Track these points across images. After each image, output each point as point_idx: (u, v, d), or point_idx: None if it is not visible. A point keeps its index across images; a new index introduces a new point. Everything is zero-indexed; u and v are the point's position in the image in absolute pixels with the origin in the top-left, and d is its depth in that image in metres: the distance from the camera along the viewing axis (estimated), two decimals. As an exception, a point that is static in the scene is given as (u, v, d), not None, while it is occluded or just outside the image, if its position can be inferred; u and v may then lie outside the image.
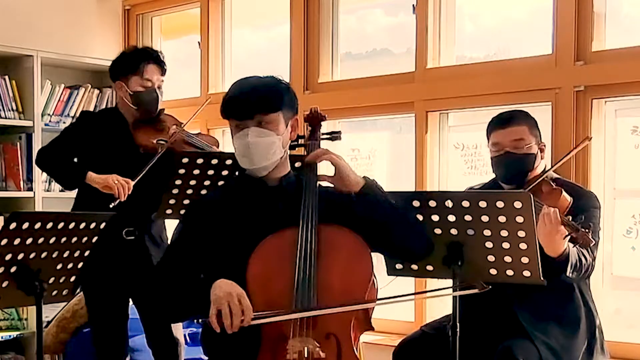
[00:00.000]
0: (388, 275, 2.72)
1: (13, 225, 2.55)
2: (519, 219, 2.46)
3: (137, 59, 3.51)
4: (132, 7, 5.36)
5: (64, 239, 2.70)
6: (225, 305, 2.20)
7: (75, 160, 3.50)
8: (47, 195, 4.68)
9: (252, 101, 2.41)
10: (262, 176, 2.48)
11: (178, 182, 3.09)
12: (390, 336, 3.91)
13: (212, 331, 2.23)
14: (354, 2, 4.71)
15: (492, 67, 3.86)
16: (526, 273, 2.54)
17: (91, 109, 4.85)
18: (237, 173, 2.85)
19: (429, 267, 2.70)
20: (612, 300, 3.62)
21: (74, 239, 2.74)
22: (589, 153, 3.49)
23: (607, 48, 3.52)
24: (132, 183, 3.33)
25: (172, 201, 3.13)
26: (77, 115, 4.65)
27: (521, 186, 2.95)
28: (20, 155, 4.61)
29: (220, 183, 3.10)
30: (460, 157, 3.98)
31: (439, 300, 3.60)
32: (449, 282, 2.67)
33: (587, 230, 2.61)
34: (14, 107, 4.62)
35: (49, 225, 2.63)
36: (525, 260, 2.51)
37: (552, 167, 3.05)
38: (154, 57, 3.53)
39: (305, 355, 2.23)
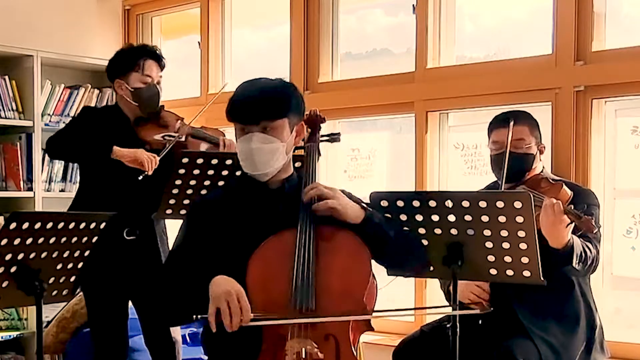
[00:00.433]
0: (388, 275, 2.72)
1: (13, 225, 2.54)
2: (519, 219, 2.46)
3: (136, 56, 3.51)
4: (132, 7, 5.36)
5: (64, 239, 2.69)
6: (224, 304, 2.19)
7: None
8: (47, 195, 4.68)
9: (258, 106, 2.37)
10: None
11: (178, 182, 3.08)
12: (390, 336, 3.91)
13: (212, 331, 2.22)
14: (354, 2, 4.71)
15: (492, 67, 3.87)
16: (526, 273, 2.54)
17: (91, 108, 4.85)
18: (237, 173, 2.84)
19: (429, 268, 2.70)
20: (612, 300, 3.62)
21: (74, 239, 2.73)
22: (589, 153, 3.50)
23: (607, 48, 3.52)
24: (158, 158, 3.33)
25: (172, 201, 3.13)
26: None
27: (518, 185, 2.96)
28: (20, 155, 4.61)
29: (221, 183, 3.10)
30: (460, 157, 3.98)
31: (439, 300, 3.60)
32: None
33: (589, 217, 2.63)
34: (14, 107, 4.61)
35: (49, 225, 2.62)
36: (525, 260, 2.51)
37: None
38: (152, 53, 3.53)
39: (303, 356, 2.23)
